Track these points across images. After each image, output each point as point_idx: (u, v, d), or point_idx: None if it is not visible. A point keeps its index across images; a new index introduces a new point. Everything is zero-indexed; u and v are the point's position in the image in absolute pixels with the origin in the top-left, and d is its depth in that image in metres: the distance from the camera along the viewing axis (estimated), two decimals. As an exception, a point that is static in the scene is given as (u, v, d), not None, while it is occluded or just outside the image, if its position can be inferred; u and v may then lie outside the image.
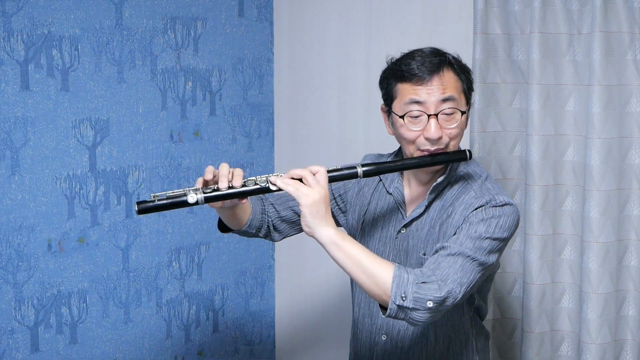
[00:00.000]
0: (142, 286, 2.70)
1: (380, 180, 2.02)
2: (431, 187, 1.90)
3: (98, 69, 2.51)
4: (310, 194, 1.72)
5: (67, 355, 2.51)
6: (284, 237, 2.11)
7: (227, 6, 2.87)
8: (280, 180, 1.76)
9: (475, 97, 2.37)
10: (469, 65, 2.41)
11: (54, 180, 2.44)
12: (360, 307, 2.05)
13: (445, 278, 1.71)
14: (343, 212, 2.11)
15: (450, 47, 2.56)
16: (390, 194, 1.98)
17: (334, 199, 2.11)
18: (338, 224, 2.11)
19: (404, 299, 1.67)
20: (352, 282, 2.09)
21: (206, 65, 2.82)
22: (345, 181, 2.04)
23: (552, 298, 2.36)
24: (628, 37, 2.17)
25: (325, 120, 2.95)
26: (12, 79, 2.33)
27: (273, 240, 2.10)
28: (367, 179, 2.03)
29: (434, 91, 1.81)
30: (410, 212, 1.95)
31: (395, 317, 1.71)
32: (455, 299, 1.71)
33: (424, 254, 1.89)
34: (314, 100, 2.97)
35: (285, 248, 3.07)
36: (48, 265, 2.44)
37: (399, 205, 1.96)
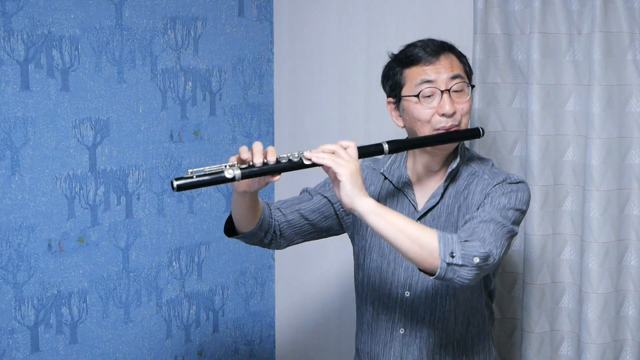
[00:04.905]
0: (142, 286, 2.70)
1: (386, 178, 2.04)
2: (447, 173, 1.95)
3: (98, 69, 2.51)
4: (347, 165, 1.74)
5: (67, 355, 2.51)
6: (289, 245, 2.07)
7: (227, 6, 2.87)
8: (314, 155, 1.77)
9: (475, 97, 2.37)
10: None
11: (54, 180, 2.44)
12: (374, 305, 2.04)
13: (483, 239, 1.76)
14: (348, 214, 2.09)
15: (450, 47, 2.57)
16: (399, 189, 2.00)
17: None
18: (343, 228, 2.11)
19: (452, 256, 1.70)
20: (359, 282, 2.09)
21: (206, 65, 2.82)
22: None
23: (552, 298, 2.36)
24: (628, 37, 2.17)
25: (325, 120, 2.94)
26: (12, 79, 2.33)
27: (278, 247, 2.05)
28: (372, 177, 2.05)
29: (442, 69, 1.88)
30: (424, 203, 1.97)
31: (443, 278, 1.72)
32: (494, 260, 1.76)
33: None
34: (314, 100, 2.97)
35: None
36: (48, 265, 2.45)
37: (410, 199, 1.98)
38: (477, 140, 2.39)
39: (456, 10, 2.55)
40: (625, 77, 2.19)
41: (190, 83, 2.78)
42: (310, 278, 3.05)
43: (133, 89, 2.61)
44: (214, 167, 1.75)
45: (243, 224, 1.95)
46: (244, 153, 1.78)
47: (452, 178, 1.96)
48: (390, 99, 1.98)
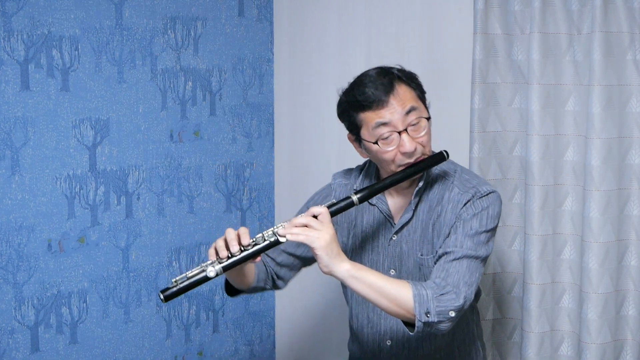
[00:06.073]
0: (142, 286, 2.70)
1: None
2: (414, 193, 1.95)
3: (98, 69, 2.51)
4: (322, 237, 1.77)
5: (67, 355, 2.51)
6: (287, 283, 2.12)
7: (227, 6, 2.87)
8: (288, 231, 1.79)
9: (475, 97, 2.37)
10: (469, 65, 2.42)
11: (54, 180, 2.44)
12: (358, 319, 2.08)
13: (457, 283, 1.81)
14: None
15: (450, 47, 2.57)
16: (374, 205, 2.01)
17: None
18: None
19: (428, 315, 1.76)
20: (347, 295, 2.11)
21: (206, 65, 2.82)
22: (327, 198, 2.07)
23: (552, 298, 2.36)
24: (628, 37, 2.17)
25: (325, 120, 2.94)
26: (12, 79, 2.33)
27: (279, 288, 2.10)
28: (346, 194, 2.05)
29: (395, 109, 1.84)
30: (398, 218, 1.99)
31: (422, 333, 1.79)
32: (470, 300, 1.83)
33: (422, 255, 1.95)
34: (314, 100, 2.97)
35: (285, 248, 3.06)
36: (48, 265, 2.44)
37: (385, 215, 1.99)
38: (478, 140, 2.39)
39: (456, 10, 2.55)
40: (625, 77, 2.19)
41: (190, 83, 2.78)
42: (310, 278, 3.05)
43: (133, 89, 2.61)
44: (195, 270, 1.79)
45: (241, 286, 2.00)
46: (222, 250, 1.80)
47: (420, 195, 1.96)
48: (351, 136, 1.97)
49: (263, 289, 2.06)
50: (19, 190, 2.37)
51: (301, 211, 2.08)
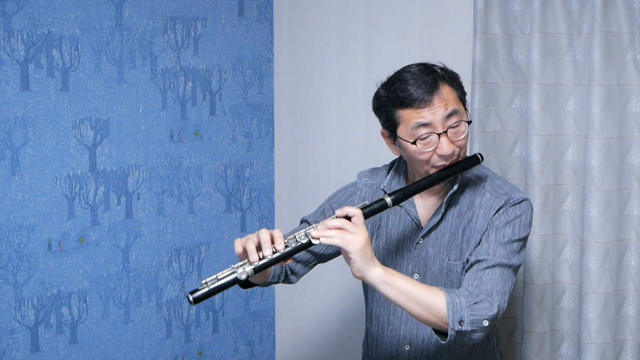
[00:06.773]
0: (142, 286, 2.70)
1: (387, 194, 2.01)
2: (447, 197, 1.90)
3: (98, 69, 2.51)
4: (357, 240, 1.71)
5: (67, 355, 2.51)
6: (299, 278, 2.08)
7: (227, 6, 2.87)
8: (322, 234, 1.73)
9: (475, 97, 2.37)
10: (469, 65, 2.42)
11: (54, 180, 2.44)
12: (379, 321, 2.04)
13: (491, 292, 1.77)
14: None
15: (450, 47, 2.57)
16: (401, 206, 1.96)
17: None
18: None
19: (461, 324, 1.73)
20: (368, 296, 2.08)
21: (206, 65, 2.82)
22: (351, 198, 2.03)
23: (552, 298, 2.37)
24: (628, 37, 2.17)
25: (325, 120, 2.94)
26: (12, 79, 2.33)
27: (290, 282, 2.06)
28: (372, 194, 2.01)
29: (437, 110, 1.80)
30: (427, 222, 1.94)
31: (454, 342, 1.76)
32: (504, 310, 1.79)
33: (449, 260, 1.91)
34: (314, 100, 2.97)
35: (285, 248, 3.06)
36: (48, 265, 2.45)
37: (413, 217, 1.95)
38: (478, 141, 2.39)
39: (456, 10, 2.55)
40: (625, 77, 2.20)
41: (190, 83, 2.78)
42: (310, 277, 3.05)
43: (133, 89, 2.61)
44: (226, 271, 1.73)
45: (258, 280, 1.95)
46: (238, 248, 1.75)
47: (451, 199, 1.92)
48: (385, 132, 1.92)
49: (276, 282, 2.02)
50: (19, 190, 2.37)
51: (322, 208, 2.04)
